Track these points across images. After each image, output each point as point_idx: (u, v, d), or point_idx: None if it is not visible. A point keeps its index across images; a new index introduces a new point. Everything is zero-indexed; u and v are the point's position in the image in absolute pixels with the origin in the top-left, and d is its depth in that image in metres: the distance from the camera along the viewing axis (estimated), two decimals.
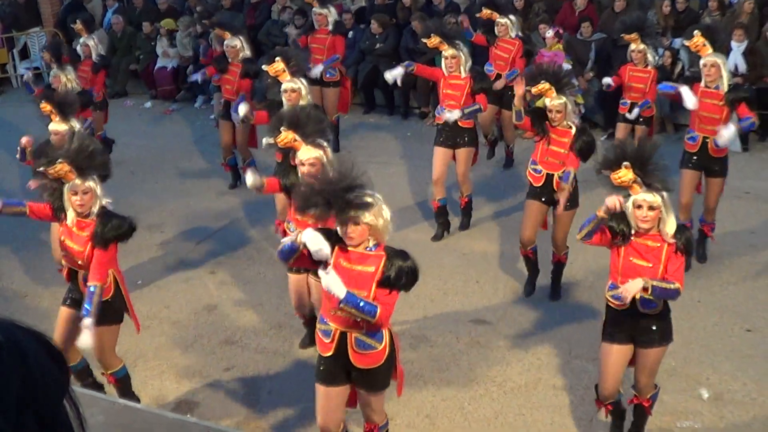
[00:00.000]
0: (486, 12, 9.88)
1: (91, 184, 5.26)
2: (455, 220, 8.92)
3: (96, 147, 5.38)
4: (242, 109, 7.95)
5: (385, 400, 5.03)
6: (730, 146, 7.98)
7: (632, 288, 4.77)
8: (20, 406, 1.16)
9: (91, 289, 5.28)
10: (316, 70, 10.40)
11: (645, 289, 4.78)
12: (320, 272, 4.43)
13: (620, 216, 4.95)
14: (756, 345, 6.62)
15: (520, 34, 9.99)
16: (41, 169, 5.21)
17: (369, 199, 4.38)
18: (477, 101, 8.39)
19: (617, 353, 5.15)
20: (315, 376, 4.86)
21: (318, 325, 4.82)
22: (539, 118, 6.99)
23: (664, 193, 4.83)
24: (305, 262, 4.60)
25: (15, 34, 15.98)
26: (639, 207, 4.81)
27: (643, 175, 4.76)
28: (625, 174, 4.78)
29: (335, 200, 4.31)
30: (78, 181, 5.22)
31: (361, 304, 4.38)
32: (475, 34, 10.18)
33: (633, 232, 4.93)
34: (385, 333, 4.66)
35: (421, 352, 6.68)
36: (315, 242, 4.39)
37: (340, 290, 4.30)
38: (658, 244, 4.88)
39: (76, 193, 5.24)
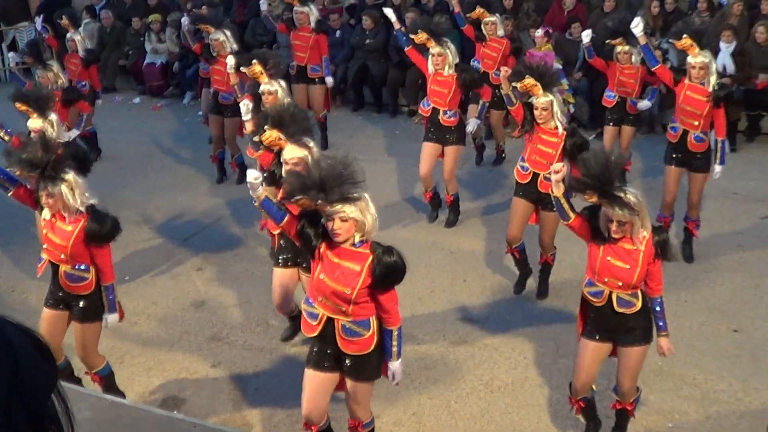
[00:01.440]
0: (478, 11, 9.88)
1: (56, 188, 5.19)
2: (442, 216, 8.96)
3: (55, 157, 5.16)
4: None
5: (371, 398, 5.03)
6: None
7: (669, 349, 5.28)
8: (9, 401, 1.16)
9: (107, 286, 5.56)
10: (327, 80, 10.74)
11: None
12: (390, 366, 4.79)
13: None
14: (742, 345, 6.65)
15: (503, 33, 10.03)
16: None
17: (357, 194, 4.39)
18: (481, 94, 8.64)
19: (594, 349, 5.19)
20: (306, 361, 4.88)
21: (304, 306, 4.82)
22: (529, 112, 6.97)
23: (636, 207, 4.80)
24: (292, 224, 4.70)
25: (3, 28, 15.91)
26: (610, 221, 4.84)
27: (606, 199, 4.75)
28: (591, 197, 4.81)
29: (325, 191, 4.31)
30: (42, 184, 5.21)
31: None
32: (467, 24, 10.17)
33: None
34: (373, 320, 4.66)
35: (408, 350, 6.66)
36: (251, 174, 4.81)
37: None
38: (635, 247, 4.90)
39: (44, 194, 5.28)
